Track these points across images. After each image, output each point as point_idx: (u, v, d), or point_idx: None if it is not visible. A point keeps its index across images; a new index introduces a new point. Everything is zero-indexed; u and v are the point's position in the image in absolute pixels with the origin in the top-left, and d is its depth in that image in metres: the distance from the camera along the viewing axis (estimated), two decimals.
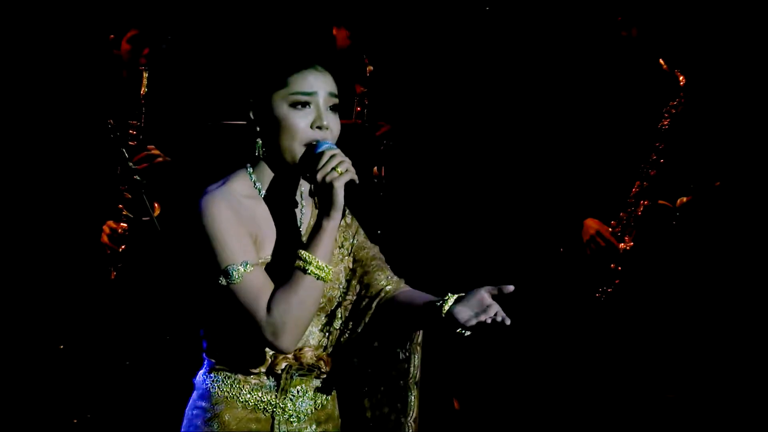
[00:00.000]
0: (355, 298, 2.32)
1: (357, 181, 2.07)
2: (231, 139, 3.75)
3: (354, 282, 2.33)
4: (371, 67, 4.12)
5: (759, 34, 4.12)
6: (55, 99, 3.72)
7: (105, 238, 3.62)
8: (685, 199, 3.93)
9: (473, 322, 2.02)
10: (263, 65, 2.18)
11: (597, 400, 3.92)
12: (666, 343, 3.95)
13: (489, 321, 2.02)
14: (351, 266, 2.34)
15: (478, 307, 2.05)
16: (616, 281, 3.93)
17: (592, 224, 3.94)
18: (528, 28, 4.47)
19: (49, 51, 3.91)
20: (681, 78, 3.89)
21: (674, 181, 3.95)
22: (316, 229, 2.08)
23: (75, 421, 3.67)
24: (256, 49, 4.18)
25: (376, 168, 4.19)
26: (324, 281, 2.08)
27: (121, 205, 3.63)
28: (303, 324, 2.09)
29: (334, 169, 2.05)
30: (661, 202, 3.93)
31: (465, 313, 2.05)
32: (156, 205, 3.64)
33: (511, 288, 2.09)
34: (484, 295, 2.07)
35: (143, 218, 3.56)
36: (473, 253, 4.39)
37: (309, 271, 2.06)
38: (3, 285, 3.74)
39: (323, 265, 2.07)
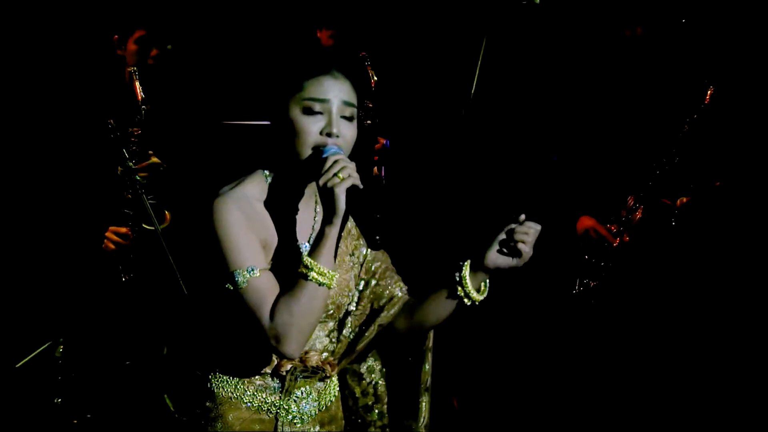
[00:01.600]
0: (368, 306, 2.33)
1: (360, 187, 2.04)
2: (239, 141, 3.74)
3: (366, 292, 2.34)
4: (372, 73, 4.11)
5: (759, 33, 4.12)
6: (55, 99, 3.71)
7: (108, 242, 3.61)
8: (685, 199, 3.93)
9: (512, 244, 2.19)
10: (281, 67, 2.17)
11: (597, 400, 3.92)
12: (666, 343, 3.95)
13: (526, 236, 2.17)
14: (363, 276, 2.34)
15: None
16: (615, 281, 3.93)
17: (586, 221, 3.95)
18: (527, 27, 4.47)
19: (50, 51, 3.90)
20: (710, 89, 3.82)
21: (674, 181, 3.94)
22: (319, 235, 2.06)
23: (75, 421, 3.67)
24: (275, 51, 4.17)
25: (375, 168, 4.19)
26: (327, 287, 2.05)
27: (126, 210, 3.62)
28: (306, 330, 2.06)
29: (335, 174, 2.02)
30: (664, 200, 3.93)
31: (493, 257, 2.26)
32: (167, 214, 3.64)
33: (523, 216, 2.21)
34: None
35: (144, 225, 3.56)
36: (473, 254, 4.38)
37: (310, 278, 2.03)
38: (3, 285, 3.74)
39: (326, 271, 2.04)
